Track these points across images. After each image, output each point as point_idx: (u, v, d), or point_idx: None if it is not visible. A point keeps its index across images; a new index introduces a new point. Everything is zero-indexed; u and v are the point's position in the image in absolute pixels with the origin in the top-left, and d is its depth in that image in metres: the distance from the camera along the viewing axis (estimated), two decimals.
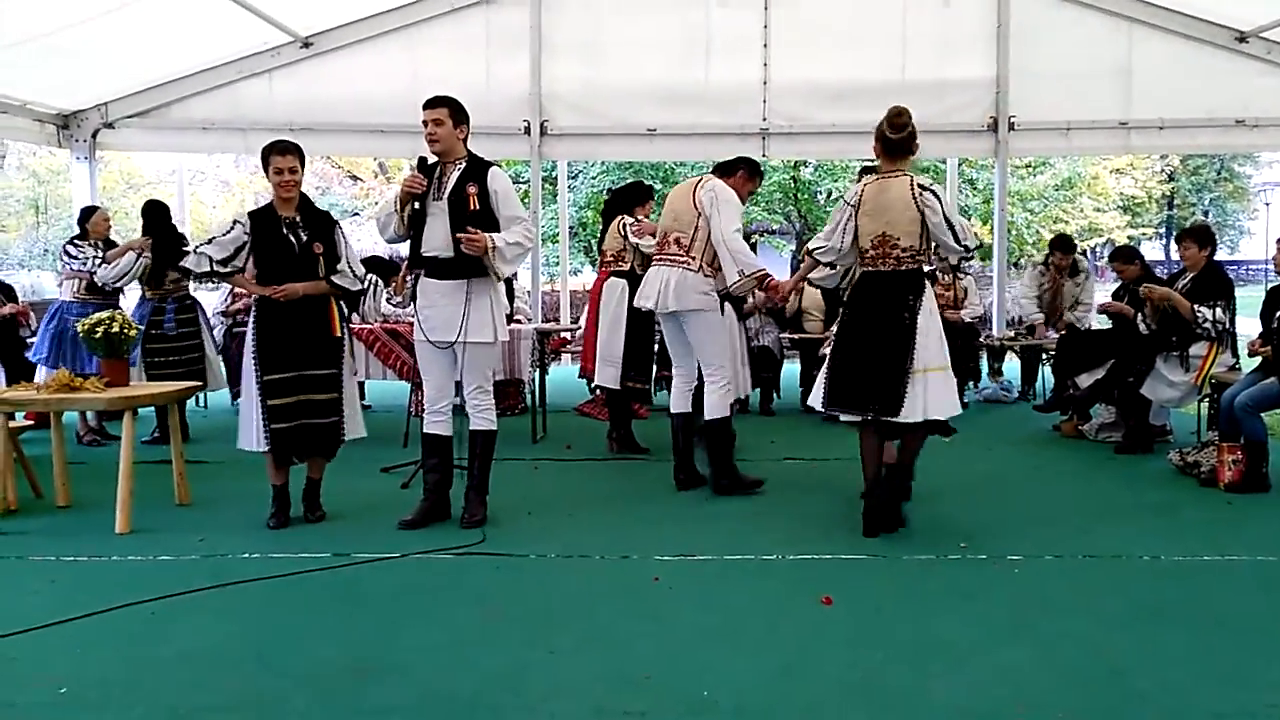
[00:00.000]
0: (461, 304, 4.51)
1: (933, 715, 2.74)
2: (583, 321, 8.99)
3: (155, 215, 6.93)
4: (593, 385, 8.50)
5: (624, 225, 6.40)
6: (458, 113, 4.55)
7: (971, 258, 4.49)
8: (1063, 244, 8.36)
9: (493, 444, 4.75)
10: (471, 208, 4.46)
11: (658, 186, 17.58)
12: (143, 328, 6.59)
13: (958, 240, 4.30)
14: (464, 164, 4.56)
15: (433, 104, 4.54)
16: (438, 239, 4.51)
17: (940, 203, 4.31)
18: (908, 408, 4.29)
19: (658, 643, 3.24)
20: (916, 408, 4.30)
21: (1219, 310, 5.95)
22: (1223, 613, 3.51)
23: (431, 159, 4.60)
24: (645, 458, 6.28)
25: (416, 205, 4.53)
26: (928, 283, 4.40)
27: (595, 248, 6.89)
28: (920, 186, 4.33)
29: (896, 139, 4.41)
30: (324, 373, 4.64)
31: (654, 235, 6.25)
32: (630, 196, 6.61)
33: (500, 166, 4.66)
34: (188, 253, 4.88)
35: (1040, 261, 8.33)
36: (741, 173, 5.44)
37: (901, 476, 4.63)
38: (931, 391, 4.30)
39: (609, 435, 6.58)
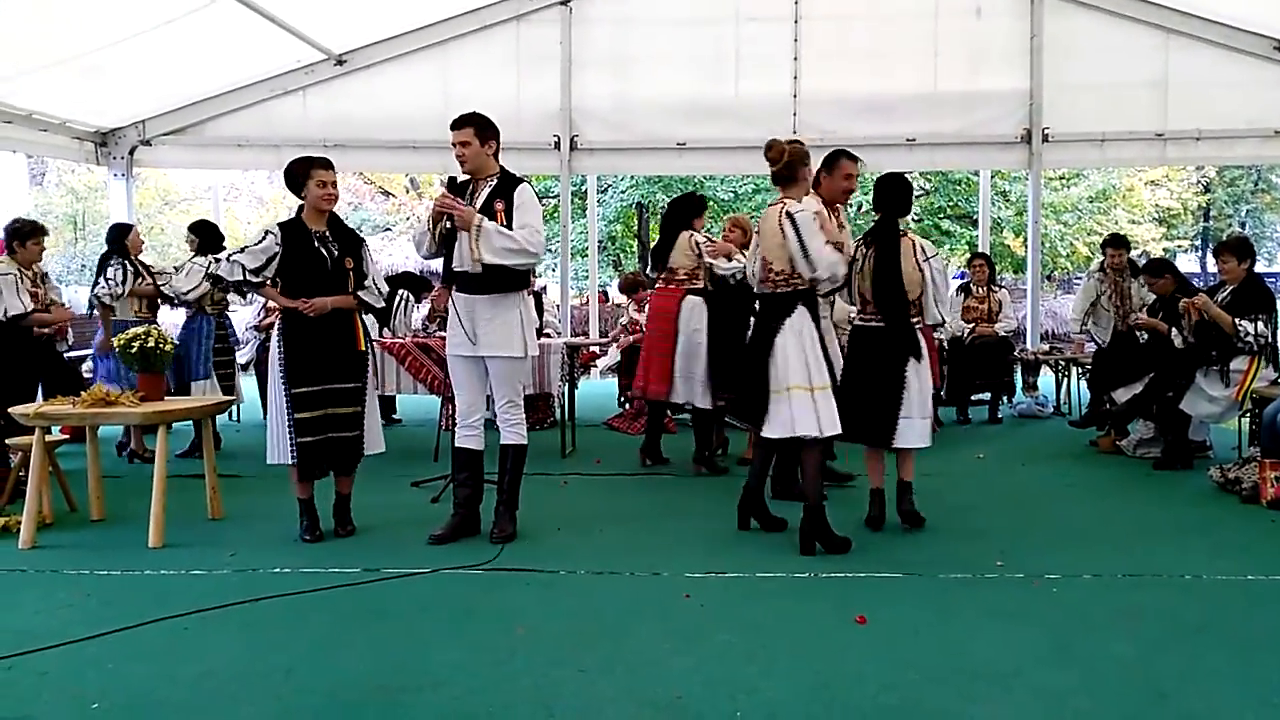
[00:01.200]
0: (490, 319, 4.52)
1: None
2: (615, 336, 8.98)
3: (210, 235, 7.08)
4: (623, 399, 8.49)
5: (695, 242, 6.19)
6: (484, 130, 4.55)
7: (824, 287, 4.54)
8: (1114, 240, 7.86)
9: (523, 459, 4.74)
10: (500, 224, 4.46)
11: None
12: (210, 343, 6.84)
13: (812, 268, 4.39)
14: (495, 181, 4.57)
15: (458, 124, 4.55)
16: (467, 255, 4.52)
17: (796, 230, 4.38)
18: (768, 425, 4.46)
19: (689, 662, 3.19)
20: (777, 425, 4.43)
21: (1260, 324, 5.84)
22: (1269, 633, 3.42)
23: (462, 177, 4.62)
24: (673, 471, 6.24)
25: (448, 224, 4.55)
26: (803, 305, 4.48)
27: (651, 260, 6.50)
28: (786, 214, 4.43)
29: (775, 171, 4.58)
30: (349, 386, 4.66)
31: (729, 257, 6.12)
32: (690, 209, 6.39)
33: (529, 182, 4.67)
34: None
35: (1095, 269, 8.00)
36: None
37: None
38: (795, 409, 4.40)
39: (697, 460, 6.28)
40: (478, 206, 4.51)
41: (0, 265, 6.04)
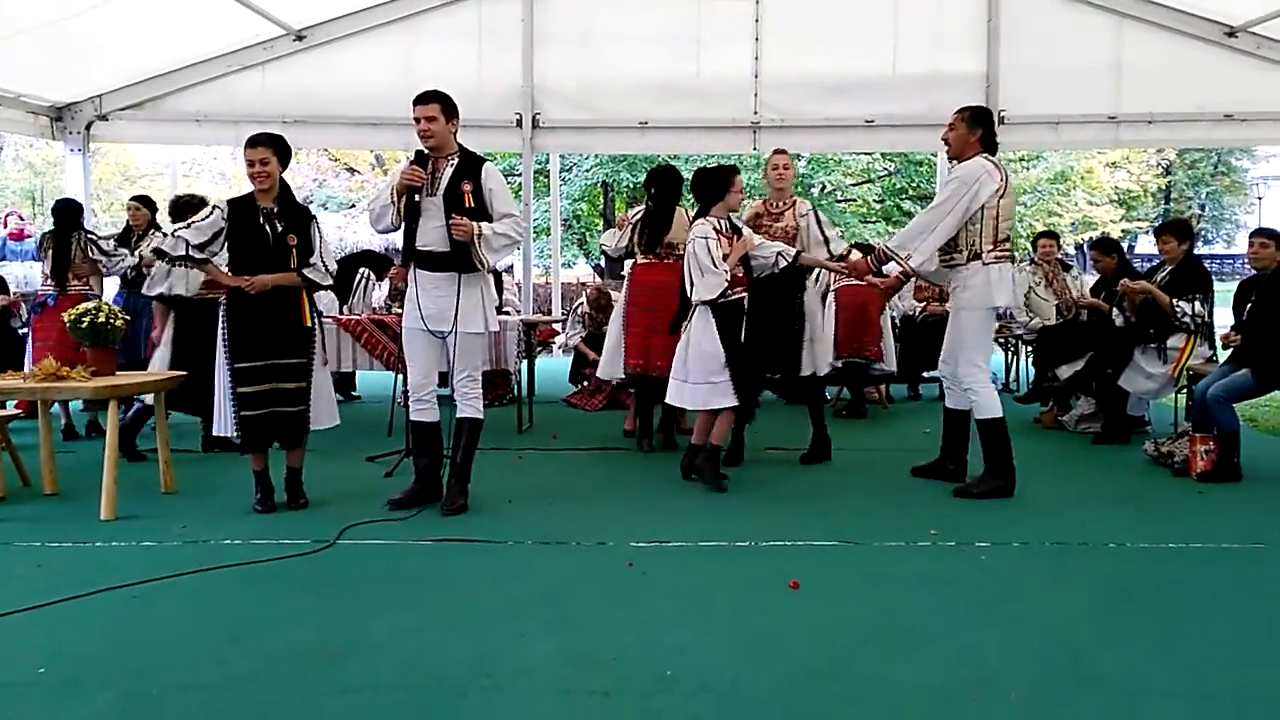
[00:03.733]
0: (454, 295, 4.60)
1: (894, 696, 2.80)
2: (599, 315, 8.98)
3: (154, 208, 7.04)
4: (582, 377, 8.57)
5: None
6: (449, 108, 4.61)
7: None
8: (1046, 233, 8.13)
9: (478, 433, 4.81)
10: (467, 204, 4.54)
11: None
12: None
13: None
14: (457, 160, 4.62)
15: (425, 99, 4.59)
16: (432, 234, 4.58)
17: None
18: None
19: (627, 626, 3.30)
20: None
21: (1197, 304, 6.02)
22: (1184, 598, 3.58)
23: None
24: (628, 448, 6.33)
25: (417, 198, 4.60)
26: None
27: (647, 236, 6.18)
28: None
29: None
30: (293, 362, 4.69)
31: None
32: (680, 184, 6.21)
33: (491, 161, 4.73)
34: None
35: (1026, 263, 8.14)
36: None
37: None
38: None
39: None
40: (443, 186, 4.57)
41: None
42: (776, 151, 6.11)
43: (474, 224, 4.49)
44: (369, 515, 4.62)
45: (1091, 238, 25.15)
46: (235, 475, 5.21)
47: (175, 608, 3.48)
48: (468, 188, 4.53)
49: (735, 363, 5.12)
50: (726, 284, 5.09)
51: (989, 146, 5.05)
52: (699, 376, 5.14)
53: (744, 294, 5.26)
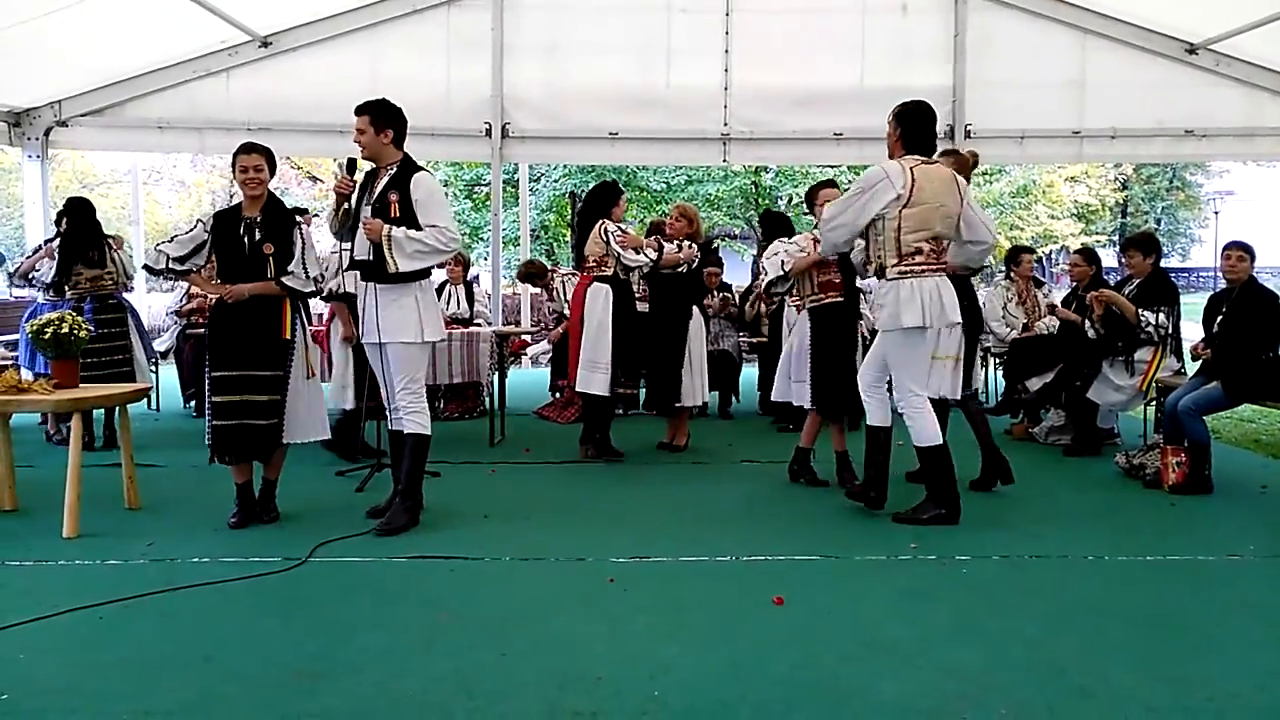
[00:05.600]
0: (388, 305, 4.54)
1: (880, 713, 2.78)
2: (556, 328, 8.97)
3: (80, 213, 6.80)
4: (556, 389, 8.51)
5: (605, 231, 6.16)
6: (380, 118, 4.54)
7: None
8: (1025, 248, 8.29)
9: (424, 448, 4.67)
10: (393, 214, 4.49)
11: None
12: None
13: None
14: (394, 170, 4.58)
15: (358, 111, 4.58)
16: (364, 243, 4.56)
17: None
18: None
19: (610, 644, 3.25)
20: None
21: (1162, 315, 6.09)
22: (1163, 611, 3.59)
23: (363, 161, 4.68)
24: (614, 462, 6.27)
25: (350, 205, 4.61)
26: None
27: (572, 252, 6.61)
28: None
29: None
30: (268, 374, 4.60)
31: (638, 249, 6.13)
32: (607, 199, 6.38)
33: (428, 170, 4.66)
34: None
35: (1002, 278, 8.24)
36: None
37: None
38: None
39: (583, 441, 6.42)
40: (374, 197, 4.55)
41: None
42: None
43: (383, 224, 4.45)
44: (341, 531, 4.53)
45: (1052, 251, 25.58)
46: (201, 490, 5.10)
47: (145, 628, 3.37)
48: (394, 198, 4.48)
49: (821, 366, 5.33)
50: (782, 292, 5.55)
51: (917, 147, 4.62)
52: (795, 376, 5.53)
53: (837, 299, 5.37)
